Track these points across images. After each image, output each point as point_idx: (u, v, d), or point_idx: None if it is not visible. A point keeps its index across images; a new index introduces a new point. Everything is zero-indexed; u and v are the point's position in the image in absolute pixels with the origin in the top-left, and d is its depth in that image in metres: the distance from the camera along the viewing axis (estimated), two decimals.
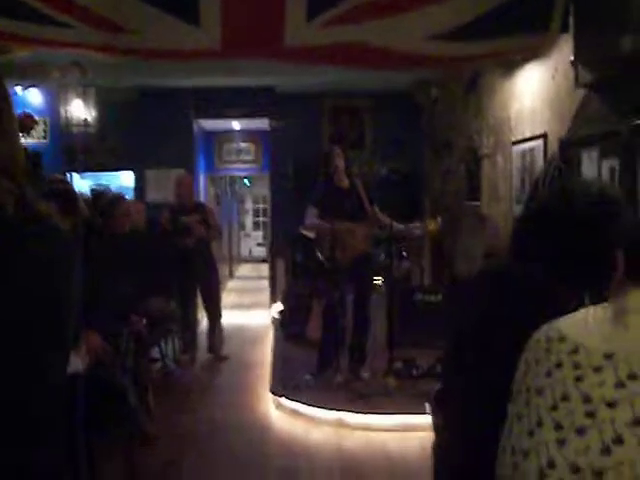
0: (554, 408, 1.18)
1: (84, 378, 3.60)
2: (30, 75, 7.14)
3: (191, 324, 7.51)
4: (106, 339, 4.37)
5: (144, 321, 5.40)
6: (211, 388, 6.70)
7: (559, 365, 1.22)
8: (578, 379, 1.18)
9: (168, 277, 6.57)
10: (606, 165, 4.14)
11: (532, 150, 5.52)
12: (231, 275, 15.64)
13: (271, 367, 6.82)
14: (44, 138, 9.28)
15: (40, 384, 1.35)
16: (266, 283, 11.54)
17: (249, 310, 11.14)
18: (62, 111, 7.61)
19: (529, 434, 1.20)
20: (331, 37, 4.06)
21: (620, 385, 1.15)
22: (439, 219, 6.09)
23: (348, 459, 4.71)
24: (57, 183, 4.36)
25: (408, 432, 4.96)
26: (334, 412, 5.34)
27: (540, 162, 5.28)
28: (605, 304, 1.31)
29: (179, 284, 7.00)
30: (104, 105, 8.37)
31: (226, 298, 12.23)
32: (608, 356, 1.18)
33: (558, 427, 1.17)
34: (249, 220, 22.89)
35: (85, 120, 7.60)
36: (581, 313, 1.32)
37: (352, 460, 4.69)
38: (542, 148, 5.27)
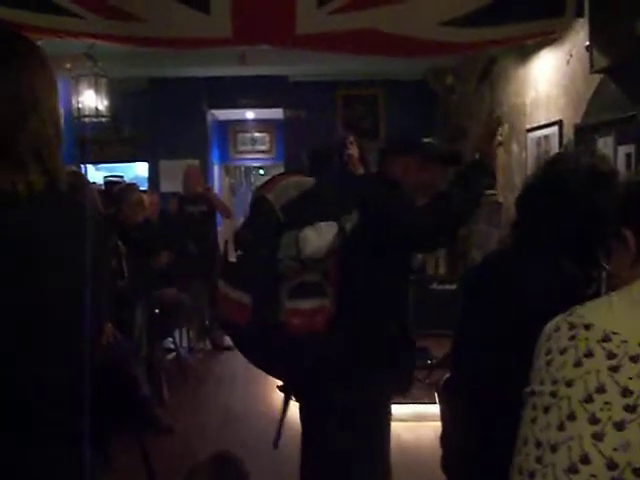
0: (588, 400, 1.12)
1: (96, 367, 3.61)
2: None
3: (203, 313, 7.54)
4: (118, 328, 4.37)
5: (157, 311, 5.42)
6: (225, 378, 6.71)
7: (589, 354, 1.15)
8: (613, 369, 1.12)
9: (179, 267, 6.57)
10: (622, 151, 4.09)
11: (547, 137, 5.46)
12: None
13: None
14: None
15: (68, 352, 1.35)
16: None
17: None
18: (74, 102, 7.60)
19: (558, 428, 1.13)
20: (342, 24, 4.00)
21: None
22: None
23: None
24: (70, 176, 4.36)
25: (422, 422, 4.94)
26: None
27: (555, 149, 5.21)
28: (625, 289, 1.25)
29: (188, 274, 7.01)
30: (117, 96, 8.35)
31: None
32: None
33: (594, 420, 1.10)
34: None
35: (97, 110, 7.59)
36: (601, 300, 1.26)
37: None
38: (557, 135, 5.21)
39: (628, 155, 4.01)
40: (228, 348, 7.54)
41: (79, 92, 7.59)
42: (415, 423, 4.99)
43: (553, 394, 1.18)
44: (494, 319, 1.77)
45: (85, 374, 1.37)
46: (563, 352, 1.20)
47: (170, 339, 6.46)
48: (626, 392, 1.10)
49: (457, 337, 2.08)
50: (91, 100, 7.60)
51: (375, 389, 2.75)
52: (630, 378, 1.11)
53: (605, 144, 4.30)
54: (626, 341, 1.14)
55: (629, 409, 1.09)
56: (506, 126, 6.61)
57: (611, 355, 1.14)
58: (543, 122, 5.56)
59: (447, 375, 2.14)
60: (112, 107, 7.99)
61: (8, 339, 1.28)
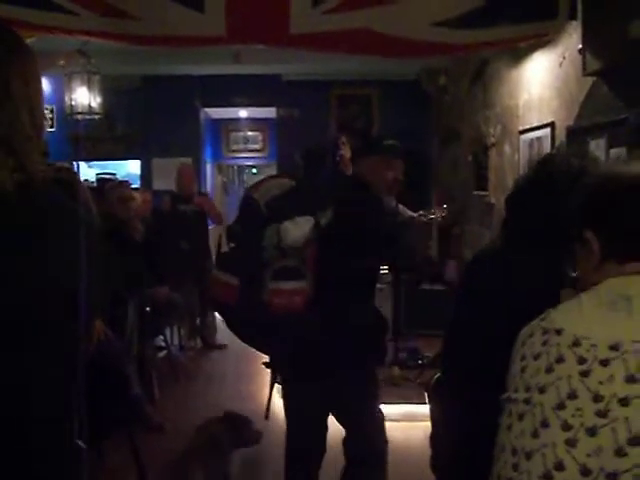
0: (560, 407, 1.11)
1: (86, 365, 3.59)
2: None
3: (194, 312, 7.53)
4: (109, 326, 4.36)
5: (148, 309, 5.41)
6: (215, 376, 6.70)
7: (560, 360, 1.15)
8: (584, 374, 1.12)
9: (168, 264, 6.55)
10: (614, 154, 4.10)
11: (539, 139, 5.47)
12: None
13: None
14: (51, 127, 9.26)
15: (53, 351, 1.33)
16: None
17: None
18: (67, 99, 7.56)
19: (532, 435, 1.13)
20: (336, 24, 4.01)
21: (631, 379, 1.08)
22: (444, 206, 6.04)
23: None
24: (63, 172, 4.35)
25: (413, 422, 4.94)
26: None
27: (548, 151, 5.22)
28: (593, 290, 1.25)
29: (178, 272, 6.99)
30: (110, 93, 8.31)
31: None
32: (613, 347, 1.11)
33: (566, 427, 1.10)
34: None
35: (90, 107, 7.56)
36: (572, 303, 1.25)
37: None
38: (550, 137, 5.22)
39: (620, 158, 4.02)
40: (219, 347, 7.55)
41: (72, 89, 7.55)
42: (405, 423, 4.99)
43: (527, 401, 1.17)
44: (483, 318, 1.77)
45: (75, 372, 1.36)
46: (537, 358, 1.19)
47: (161, 337, 6.45)
48: (597, 397, 1.09)
49: (448, 337, 2.09)
50: (84, 97, 7.56)
51: (356, 370, 3.08)
52: (600, 383, 1.10)
53: (597, 146, 4.31)
54: (595, 345, 1.13)
55: (600, 414, 1.08)
56: (499, 127, 6.63)
57: (581, 360, 1.13)
58: (535, 124, 5.58)
59: (437, 375, 2.15)
60: (105, 104, 7.95)
61: None
